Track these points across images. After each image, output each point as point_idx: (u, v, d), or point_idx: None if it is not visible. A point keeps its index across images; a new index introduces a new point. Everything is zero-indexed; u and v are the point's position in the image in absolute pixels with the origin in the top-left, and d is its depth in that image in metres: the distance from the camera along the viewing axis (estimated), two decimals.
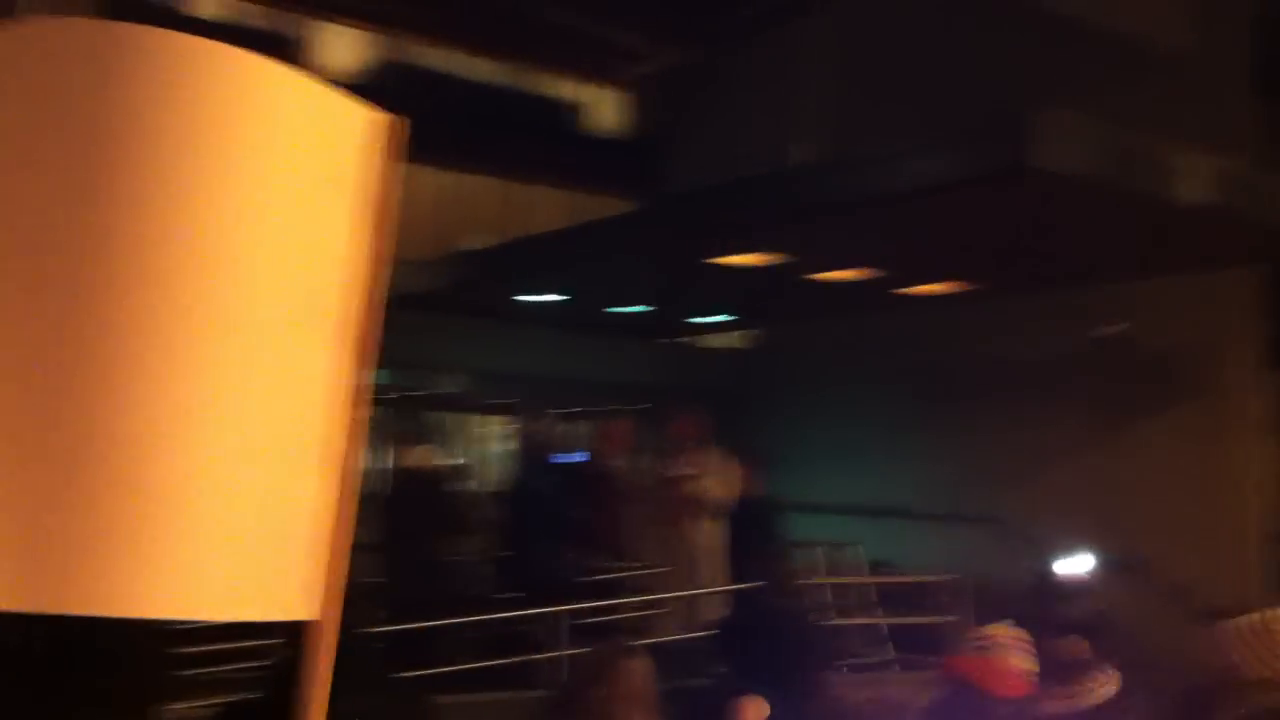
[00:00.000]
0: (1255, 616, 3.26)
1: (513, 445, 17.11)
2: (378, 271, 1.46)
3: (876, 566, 10.51)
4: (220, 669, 6.18)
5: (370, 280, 1.46)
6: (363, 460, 1.45)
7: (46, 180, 1.25)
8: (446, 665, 6.61)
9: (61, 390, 1.23)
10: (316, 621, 1.43)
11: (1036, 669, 3.52)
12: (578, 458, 8.30)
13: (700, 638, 7.08)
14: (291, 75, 1.38)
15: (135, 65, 1.27)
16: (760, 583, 5.99)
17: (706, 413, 7.77)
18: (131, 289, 1.25)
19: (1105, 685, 3.35)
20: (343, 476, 1.43)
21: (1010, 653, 3.60)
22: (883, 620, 8.83)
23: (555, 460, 7.65)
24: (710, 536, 7.55)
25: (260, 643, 6.47)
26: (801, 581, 6.38)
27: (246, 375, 1.33)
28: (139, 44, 1.29)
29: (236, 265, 1.32)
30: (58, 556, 1.22)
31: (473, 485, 17.18)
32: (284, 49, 15.50)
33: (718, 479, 7.53)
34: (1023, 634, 3.67)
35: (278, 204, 1.36)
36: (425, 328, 13.63)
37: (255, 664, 6.61)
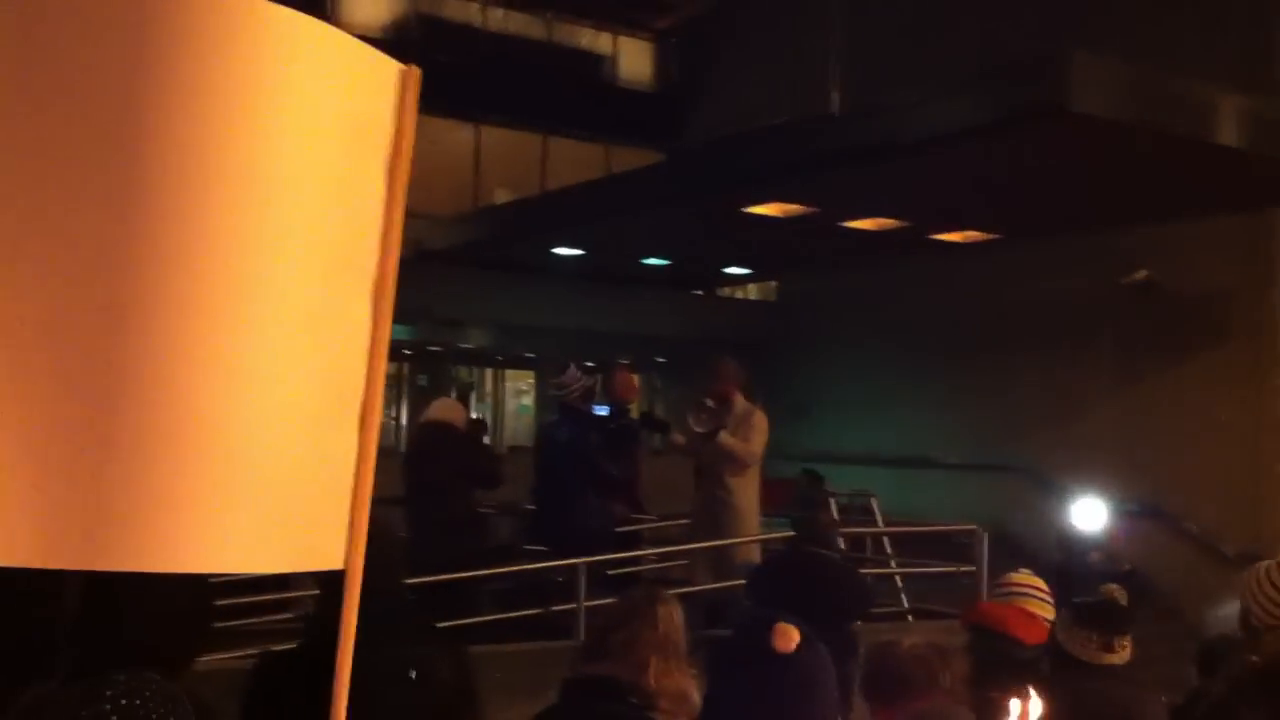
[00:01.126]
0: (1270, 563, 3.28)
1: (540, 397, 17.21)
2: (398, 222, 1.49)
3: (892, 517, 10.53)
4: (246, 621, 6.30)
5: (392, 231, 1.48)
6: (383, 408, 1.48)
7: (85, 140, 1.25)
8: (477, 616, 6.70)
9: (112, 348, 1.24)
10: (344, 570, 1.46)
11: (1053, 616, 3.55)
12: (603, 410, 8.29)
13: (733, 586, 7.14)
14: (321, 27, 1.38)
15: (171, 20, 1.28)
16: (794, 530, 5.98)
17: (735, 365, 7.73)
18: (176, 244, 1.26)
19: (1127, 649, 3.36)
20: (368, 425, 1.46)
21: (1031, 599, 3.63)
22: (899, 570, 8.85)
23: (583, 412, 7.64)
24: (739, 489, 7.55)
25: (284, 595, 6.59)
26: (838, 529, 6.36)
27: (292, 328, 1.35)
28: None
29: (280, 220, 1.33)
30: (115, 514, 1.24)
31: (501, 437, 17.32)
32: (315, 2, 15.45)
33: (743, 431, 7.51)
34: (1040, 581, 3.70)
35: (316, 157, 1.37)
36: (453, 281, 13.68)
37: (280, 616, 6.75)
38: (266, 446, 1.32)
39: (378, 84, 1.46)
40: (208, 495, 1.28)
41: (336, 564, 1.45)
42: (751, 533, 7.56)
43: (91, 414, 1.24)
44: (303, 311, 1.36)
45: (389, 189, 1.48)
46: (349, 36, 1.41)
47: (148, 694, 1.63)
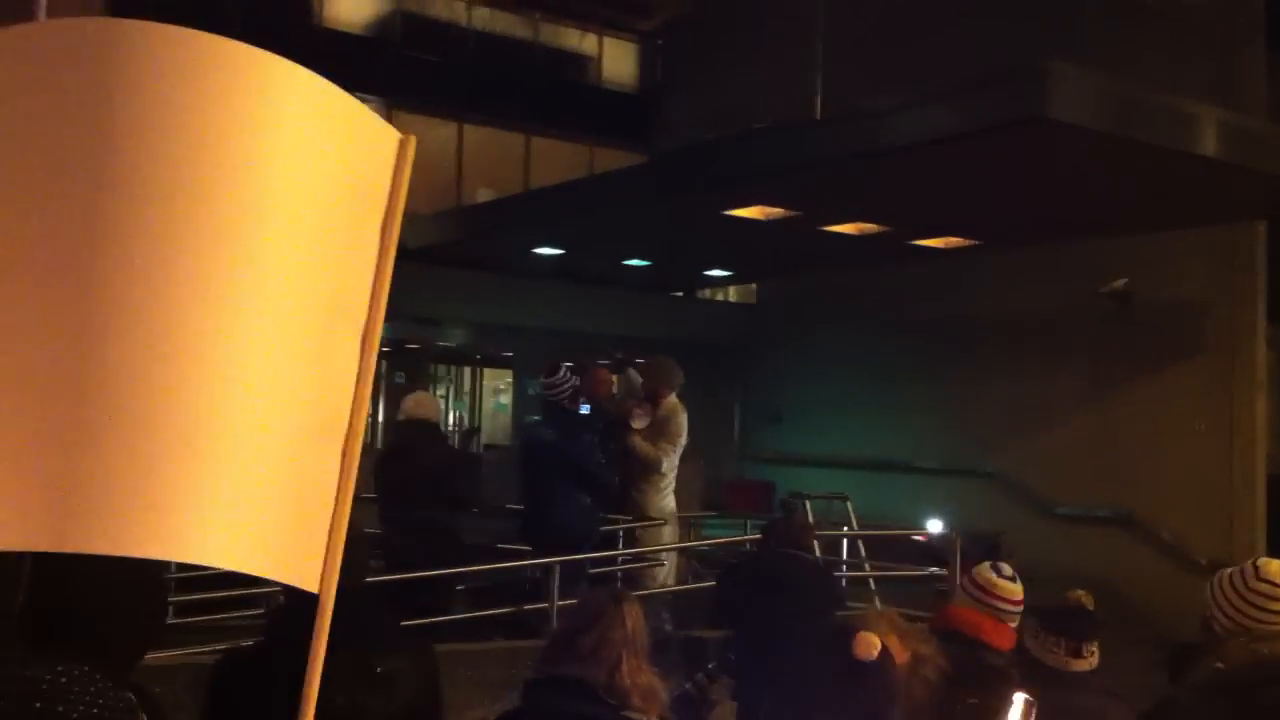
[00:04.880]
0: (1234, 570, 3.29)
1: (518, 396, 17.17)
2: (386, 269, 1.59)
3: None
4: (214, 617, 6.28)
5: (382, 282, 1.59)
6: (364, 436, 1.57)
7: (79, 178, 1.29)
8: (447, 615, 6.71)
9: (95, 347, 1.30)
10: (318, 594, 1.52)
11: (1017, 620, 3.55)
12: (586, 409, 8.23)
13: (705, 587, 7.14)
14: (324, 85, 1.44)
15: (167, 64, 1.31)
16: (767, 531, 6.00)
17: (667, 364, 7.66)
18: (165, 255, 1.32)
19: (1095, 655, 3.37)
20: (349, 452, 1.54)
21: (1000, 603, 3.62)
22: (870, 574, 8.89)
23: (571, 412, 7.57)
24: (648, 490, 7.51)
25: (252, 591, 6.58)
26: (812, 532, 6.37)
27: (281, 348, 1.42)
28: (171, 43, 1.32)
29: (273, 249, 1.39)
30: (88, 497, 1.28)
31: (474, 436, 17.27)
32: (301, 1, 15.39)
33: (655, 433, 7.46)
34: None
35: (312, 200, 1.44)
36: (432, 279, 13.65)
37: (246, 613, 6.72)
38: (246, 451, 1.38)
39: (376, 146, 1.56)
40: (181, 485, 1.32)
41: (311, 585, 1.50)
42: (665, 536, 7.61)
43: (71, 404, 1.28)
44: (293, 336, 1.44)
45: (382, 245, 1.59)
46: (350, 97, 1.49)
47: (92, 690, 1.64)
